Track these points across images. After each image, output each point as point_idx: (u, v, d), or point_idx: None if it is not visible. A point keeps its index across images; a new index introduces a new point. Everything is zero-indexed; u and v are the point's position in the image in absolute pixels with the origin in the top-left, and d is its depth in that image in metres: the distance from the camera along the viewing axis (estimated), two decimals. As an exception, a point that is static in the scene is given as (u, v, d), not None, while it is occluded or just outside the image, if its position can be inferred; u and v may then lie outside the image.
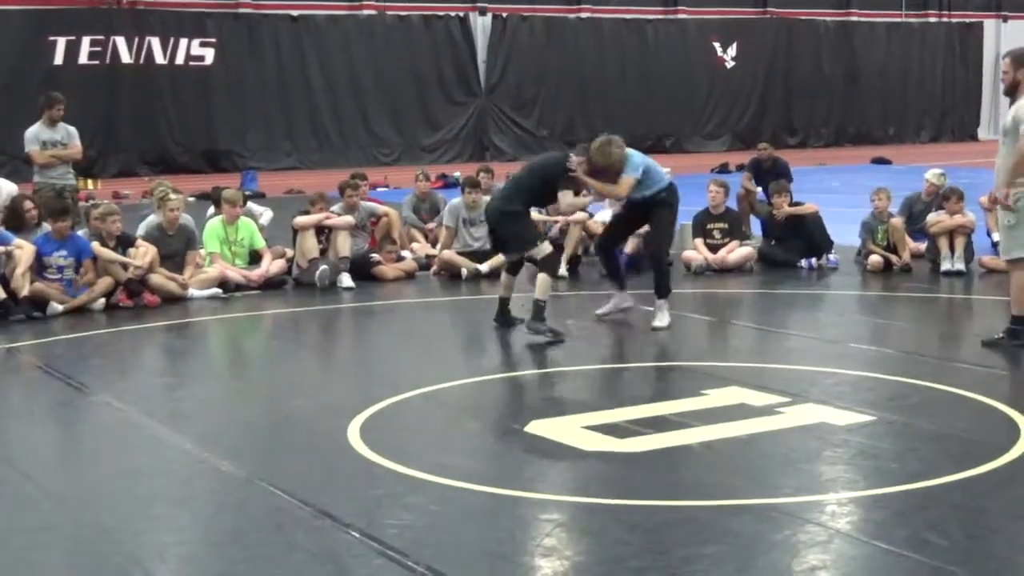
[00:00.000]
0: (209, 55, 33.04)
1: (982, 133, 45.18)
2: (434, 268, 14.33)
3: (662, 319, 10.98)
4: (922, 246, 14.37)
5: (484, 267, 13.97)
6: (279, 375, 9.87)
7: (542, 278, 10.63)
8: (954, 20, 45.28)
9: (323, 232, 13.82)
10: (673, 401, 8.25)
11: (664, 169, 11.50)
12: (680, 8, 40.06)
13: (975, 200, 14.90)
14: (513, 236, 10.85)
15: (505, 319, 11.07)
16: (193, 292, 12.81)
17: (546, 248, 10.79)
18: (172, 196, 13.29)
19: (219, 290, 12.99)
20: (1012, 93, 9.93)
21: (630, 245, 14.21)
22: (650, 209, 11.14)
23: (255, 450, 7.50)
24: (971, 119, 45.37)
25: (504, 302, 11.09)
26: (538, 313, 10.51)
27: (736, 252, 14.16)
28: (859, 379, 9.04)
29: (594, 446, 7.20)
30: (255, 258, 13.63)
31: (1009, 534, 5.76)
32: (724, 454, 7.11)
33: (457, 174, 26.45)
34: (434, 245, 14.93)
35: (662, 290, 11.07)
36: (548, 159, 11.25)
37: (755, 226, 15.59)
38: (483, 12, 36.73)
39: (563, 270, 13.93)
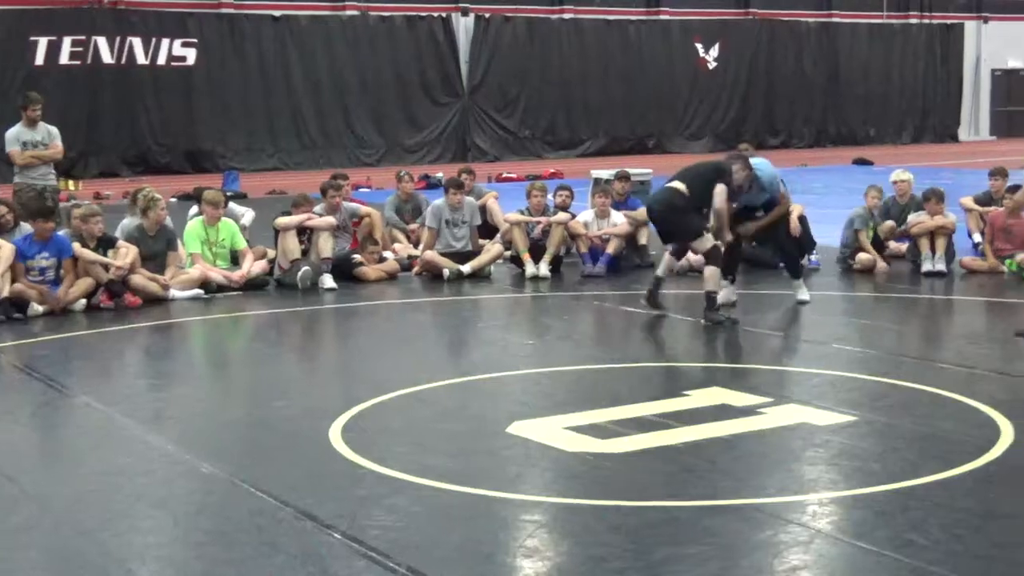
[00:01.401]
0: (191, 55, 32.93)
1: (963, 134, 45.32)
2: (416, 269, 14.32)
3: (804, 294, 12.13)
4: (903, 247, 14.42)
5: (466, 268, 13.96)
6: (261, 376, 9.85)
7: (711, 270, 11.19)
8: (935, 21, 45.36)
9: (305, 233, 13.79)
10: (655, 402, 8.26)
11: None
12: (662, 9, 40.07)
13: (956, 201, 14.97)
14: (679, 225, 11.41)
15: (655, 300, 11.57)
16: (174, 293, 12.78)
17: (709, 241, 11.29)
18: (157, 196, 13.29)
19: (201, 291, 12.96)
20: None
21: (612, 246, 14.23)
22: (768, 210, 12.11)
23: (237, 451, 7.49)
24: (952, 120, 45.45)
25: (658, 282, 11.64)
26: (711, 304, 11.08)
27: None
28: (841, 379, 9.06)
29: (576, 447, 7.20)
30: (236, 259, 13.59)
31: (990, 533, 5.78)
32: (706, 454, 7.12)
33: (440, 175, 26.44)
34: (416, 246, 14.92)
35: (796, 272, 12.33)
36: (718, 167, 11.65)
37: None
38: (466, 13, 36.69)
39: (545, 270, 13.95)
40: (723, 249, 11.53)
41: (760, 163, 12.03)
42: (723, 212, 11.45)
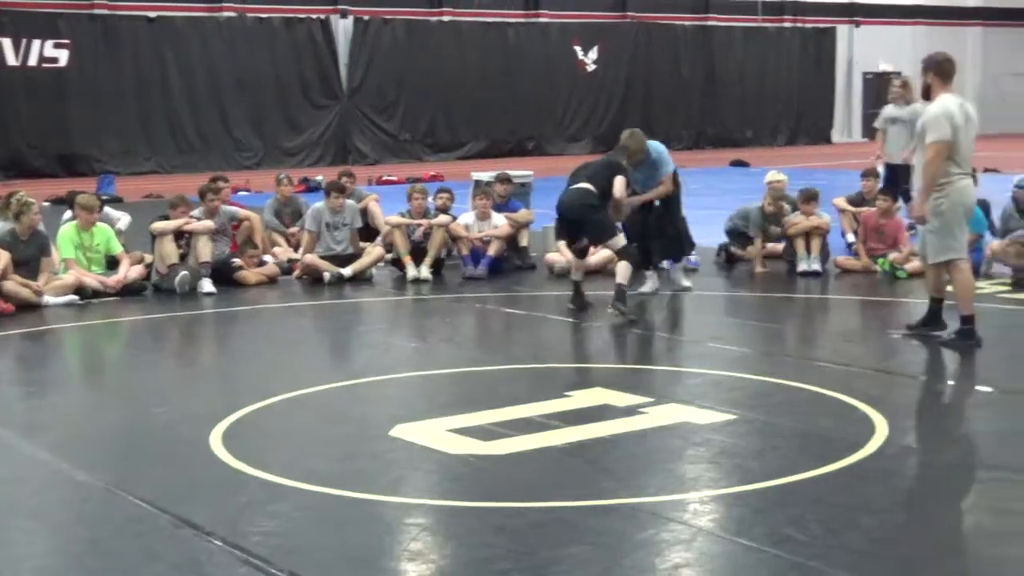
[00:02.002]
0: (63, 57, 32.26)
1: (836, 136, 46.15)
2: (296, 272, 14.21)
3: (685, 280, 13.06)
4: (780, 247, 14.64)
5: (347, 271, 13.88)
6: (139, 383, 9.70)
7: (622, 265, 11.58)
8: (808, 25, 46.18)
9: (183, 237, 13.62)
10: (537, 403, 8.27)
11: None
12: (541, 11, 40.23)
13: (829, 202, 15.24)
14: (594, 224, 11.76)
15: (581, 302, 11.86)
16: (48, 299, 12.52)
17: (622, 239, 11.81)
18: (30, 200, 13.02)
19: (76, 297, 12.71)
20: (927, 97, 10.17)
21: (493, 248, 14.25)
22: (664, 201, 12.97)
23: (114, 459, 7.36)
24: (825, 122, 46.24)
25: (577, 285, 11.93)
26: (620, 296, 11.40)
27: (598, 254, 14.24)
28: (721, 379, 9.17)
29: (459, 449, 7.20)
30: (114, 264, 13.38)
31: (865, 528, 5.89)
32: (588, 455, 7.16)
33: (319, 178, 26.27)
34: (296, 249, 14.81)
35: (678, 255, 13.18)
36: (612, 163, 12.23)
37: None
38: (344, 15, 36.47)
39: (426, 273, 13.93)
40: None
41: (653, 144, 12.81)
42: (622, 201, 11.92)
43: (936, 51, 10.51)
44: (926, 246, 10.10)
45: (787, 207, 14.60)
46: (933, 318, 10.29)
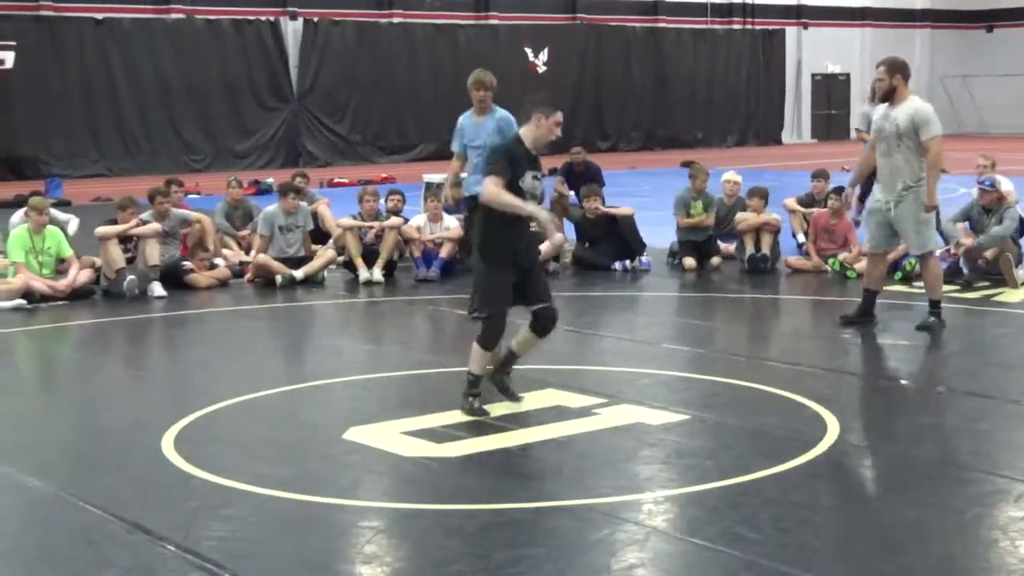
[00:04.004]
0: (9, 59, 31.94)
1: (785, 137, 46.43)
2: (248, 275, 14.15)
3: None
4: (732, 247, 14.72)
5: (299, 273, 13.83)
6: (88, 388, 9.62)
7: (475, 349, 8.24)
8: (757, 27, 46.42)
9: (131, 240, 13.53)
10: (490, 405, 8.27)
11: None
12: (491, 13, 40.24)
13: (780, 202, 15.34)
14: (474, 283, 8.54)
15: (509, 394, 8.39)
16: (-4, 303, 12.42)
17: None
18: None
19: (23, 301, 12.60)
20: (888, 99, 10.36)
21: (445, 250, 14.24)
22: None
23: (65, 465, 7.31)
24: (775, 124, 46.50)
25: (496, 380, 8.44)
26: (471, 385, 8.15)
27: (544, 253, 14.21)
28: (673, 379, 9.20)
29: (413, 451, 7.19)
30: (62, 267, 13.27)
31: (817, 525, 5.94)
32: (541, 456, 7.18)
33: (270, 180, 26.15)
34: (247, 252, 14.74)
35: None
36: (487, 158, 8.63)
37: (568, 229, 15.73)
38: (294, 17, 36.33)
39: (378, 275, 13.90)
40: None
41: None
42: (495, 201, 7.95)
43: (893, 54, 10.89)
44: (917, 238, 10.47)
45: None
46: (867, 309, 10.58)
